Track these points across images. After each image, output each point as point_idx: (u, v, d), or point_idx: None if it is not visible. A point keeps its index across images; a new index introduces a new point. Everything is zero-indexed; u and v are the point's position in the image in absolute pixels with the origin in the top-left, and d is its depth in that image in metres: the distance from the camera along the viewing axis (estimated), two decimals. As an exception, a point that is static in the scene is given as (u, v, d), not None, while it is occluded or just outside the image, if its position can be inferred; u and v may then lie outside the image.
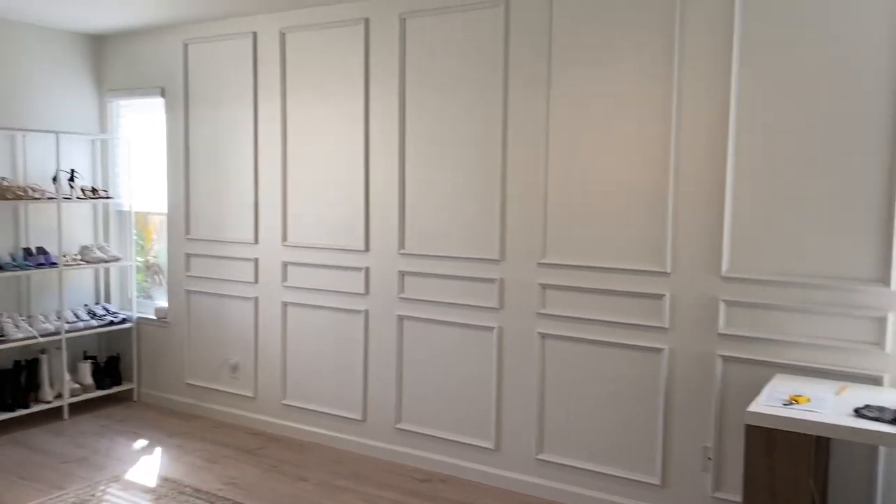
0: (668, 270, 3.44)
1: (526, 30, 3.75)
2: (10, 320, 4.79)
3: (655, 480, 3.54)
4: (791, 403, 2.68)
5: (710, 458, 3.41)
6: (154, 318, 5.35)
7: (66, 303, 5.23)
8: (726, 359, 3.35)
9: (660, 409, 3.51)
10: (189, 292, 5.12)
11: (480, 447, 4.03)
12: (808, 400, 2.72)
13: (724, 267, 3.31)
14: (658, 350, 3.50)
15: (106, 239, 5.56)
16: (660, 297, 3.48)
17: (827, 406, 2.67)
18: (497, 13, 3.82)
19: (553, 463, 3.82)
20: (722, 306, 3.34)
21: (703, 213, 3.36)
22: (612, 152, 3.56)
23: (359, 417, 4.44)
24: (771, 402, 2.72)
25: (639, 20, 3.45)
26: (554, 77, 3.68)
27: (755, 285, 3.25)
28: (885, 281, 2.99)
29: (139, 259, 5.60)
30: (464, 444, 4.08)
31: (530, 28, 3.74)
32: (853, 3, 3.01)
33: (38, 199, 4.86)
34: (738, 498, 3.31)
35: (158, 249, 5.54)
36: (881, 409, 2.60)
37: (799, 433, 2.55)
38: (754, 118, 3.22)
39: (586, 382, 3.70)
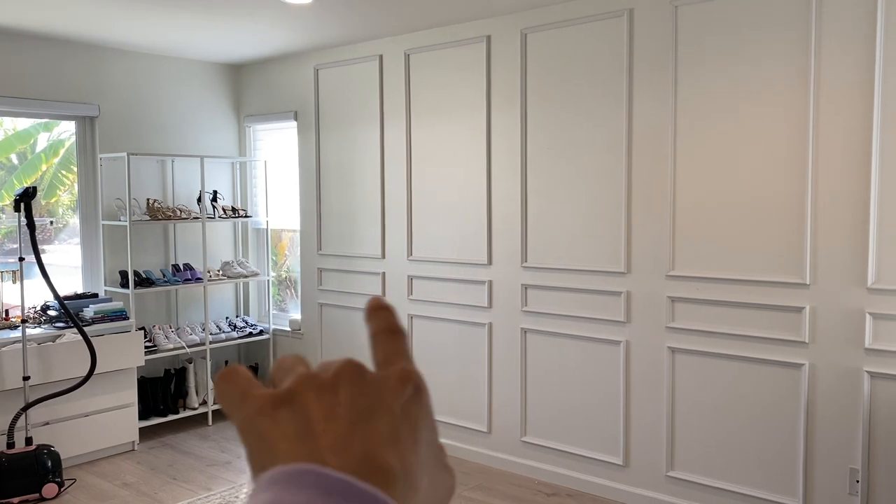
0: (808, 282, 3.29)
1: (650, 38, 3.70)
2: (161, 332, 5.19)
3: (796, 502, 3.37)
4: (951, 424, 2.50)
5: (858, 481, 3.21)
6: (289, 329, 5.63)
7: (210, 315, 5.60)
8: (874, 375, 3.15)
9: (801, 428, 3.35)
10: (321, 305, 5.36)
11: (608, 462, 3.98)
12: (972, 421, 2.52)
13: (871, 278, 3.12)
14: (798, 365, 3.34)
15: (244, 255, 5.91)
16: (799, 309, 3.32)
17: None
18: (620, 23, 3.79)
19: (684, 480, 3.71)
20: (868, 319, 3.15)
21: (845, 220, 3.19)
22: (743, 159, 3.44)
23: (484, 429, 4.49)
24: (928, 422, 2.53)
25: (770, 22, 3.33)
26: (680, 85, 3.61)
27: (906, 297, 3.05)
28: None
29: (273, 274, 5.92)
30: (591, 458, 4.04)
31: (655, 36, 3.69)
32: None
33: (185, 218, 5.25)
34: (891, 524, 3.10)
35: (291, 264, 5.83)
36: None
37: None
38: (902, 120, 3.03)
39: (720, 398, 3.58)
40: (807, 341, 3.31)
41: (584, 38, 3.93)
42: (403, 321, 4.81)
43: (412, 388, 0.37)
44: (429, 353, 4.75)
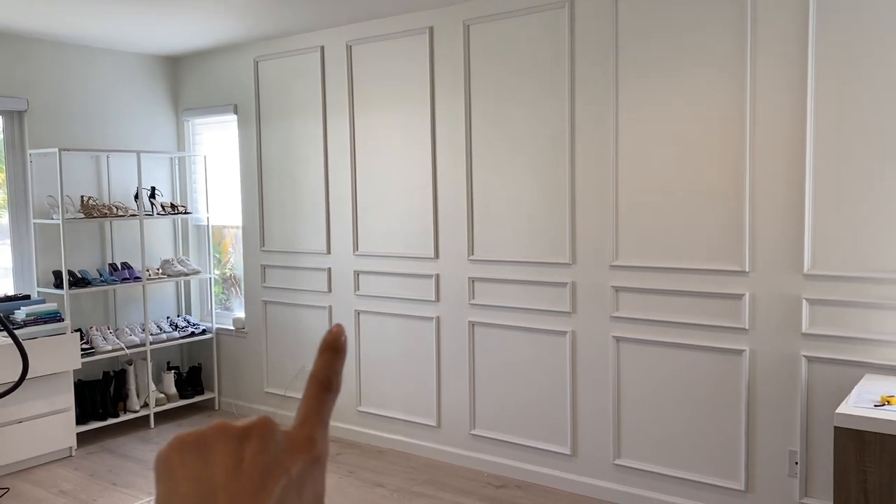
0: (747, 269, 3.35)
1: (591, 30, 3.72)
2: (98, 333, 5.02)
3: (739, 486, 3.44)
4: (883, 405, 2.57)
5: (796, 463, 3.30)
6: (232, 328, 5.51)
7: (150, 315, 5.44)
8: (811, 359, 3.23)
9: (742, 412, 3.42)
10: (265, 303, 5.26)
11: (556, 453, 4.00)
12: (902, 401, 2.60)
13: (807, 264, 3.20)
14: (738, 352, 3.41)
15: (185, 253, 5.76)
16: (738, 296, 3.39)
17: (923, 407, 2.55)
18: (561, 15, 3.80)
19: (631, 468, 3.75)
20: (805, 305, 3.22)
21: (781, 209, 3.26)
22: (684, 151, 3.49)
23: (433, 424, 4.47)
24: (861, 403, 2.61)
25: (708, 16, 3.38)
26: (621, 77, 3.64)
27: (840, 282, 3.13)
28: (983, 275, 2.84)
29: (217, 272, 5.79)
30: (539, 449, 4.06)
31: (596, 28, 3.71)
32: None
33: (122, 216, 5.08)
34: (828, 503, 3.19)
35: (234, 262, 5.71)
36: (983, 409, 2.47)
37: (893, 435, 2.44)
38: (833, 112, 3.11)
39: (664, 386, 3.63)
40: (747, 328, 3.38)
41: (527, 29, 3.93)
42: (350, 317, 4.76)
43: (311, 459, 0.39)
44: (376, 348, 4.70)
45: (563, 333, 3.92)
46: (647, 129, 3.59)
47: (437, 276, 4.38)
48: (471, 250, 4.23)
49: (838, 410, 2.54)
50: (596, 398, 3.85)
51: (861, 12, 3.03)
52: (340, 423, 4.92)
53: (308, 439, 0.40)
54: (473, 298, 4.25)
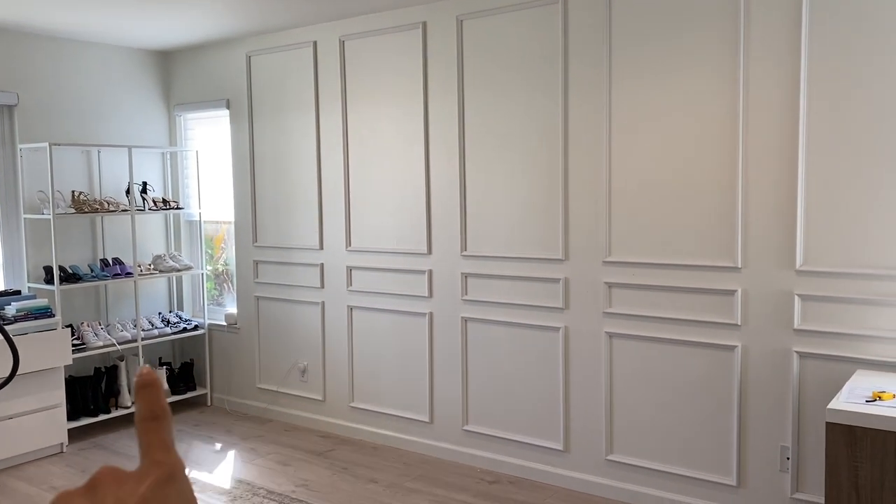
0: (739, 265, 3.36)
1: (585, 26, 3.72)
2: (89, 329, 4.99)
3: (731, 481, 3.46)
4: (875, 400, 2.58)
5: (788, 458, 3.31)
6: (225, 324, 5.49)
7: (142, 311, 5.42)
8: (803, 355, 3.24)
9: (734, 408, 3.43)
10: (258, 298, 5.24)
11: (549, 448, 4.00)
12: (893, 396, 2.61)
13: (799, 260, 3.21)
14: (731, 347, 3.42)
15: (177, 248, 5.74)
16: (731, 292, 3.39)
17: (914, 403, 2.56)
18: (554, 10, 3.79)
19: (623, 464, 3.76)
20: (797, 301, 3.23)
21: (774, 206, 3.26)
22: (677, 147, 3.49)
23: (426, 419, 4.47)
24: (853, 398, 2.62)
25: (701, 11, 3.38)
26: (615, 73, 3.63)
27: (832, 278, 3.14)
28: (974, 271, 2.85)
29: (209, 267, 5.76)
30: (532, 445, 4.06)
31: (589, 24, 3.70)
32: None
33: (114, 211, 5.05)
34: (820, 499, 3.20)
35: (227, 257, 5.69)
36: (973, 405, 2.48)
37: (885, 431, 2.45)
38: (826, 109, 3.11)
39: (656, 382, 3.64)
40: (739, 323, 3.38)
41: (520, 26, 3.92)
42: (343, 313, 4.75)
43: (165, 476, 0.42)
44: (369, 344, 4.70)
45: (556, 329, 3.92)
46: (640, 125, 3.58)
47: (430, 272, 4.38)
48: (464, 246, 4.23)
49: (830, 406, 2.55)
50: (588, 394, 3.86)
51: (854, 11, 3.03)
52: (333, 419, 4.91)
53: (155, 463, 0.43)
54: (466, 294, 4.24)
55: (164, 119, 5.67)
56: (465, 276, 4.24)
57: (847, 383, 2.83)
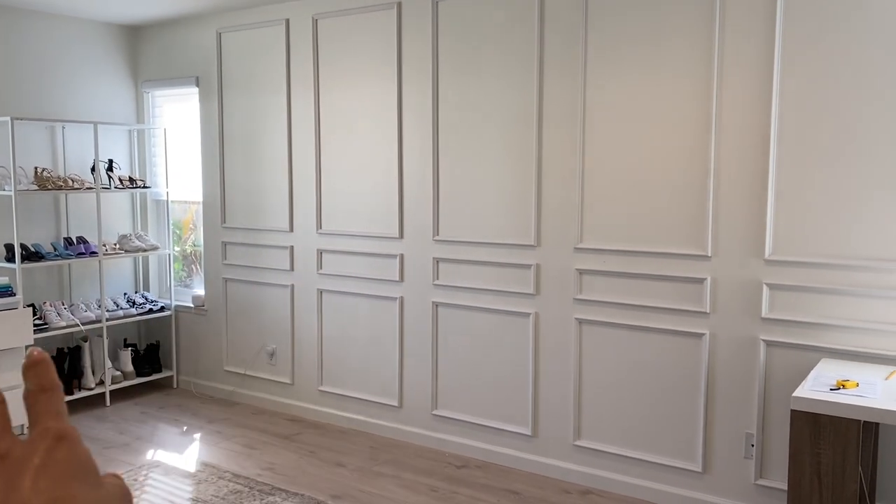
0: (709, 254, 3.37)
1: (562, 10, 3.69)
2: (52, 309, 4.89)
3: (696, 467, 3.49)
4: (838, 388, 2.62)
5: (753, 445, 3.35)
6: (192, 306, 5.41)
7: (106, 291, 5.31)
8: (770, 343, 3.27)
9: (701, 394, 3.45)
10: (226, 280, 5.17)
11: (517, 433, 4.01)
12: (857, 385, 2.64)
13: (768, 250, 3.23)
14: (699, 335, 3.44)
15: (144, 228, 5.63)
16: (700, 280, 3.41)
17: (877, 391, 2.60)
18: (531, -6, 3.76)
19: (591, 449, 3.78)
20: (765, 290, 3.26)
21: (744, 195, 3.28)
22: (650, 136, 3.49)
23: (395, 404, 4.45)
24: (817, 387, 2.65)
25: (676, 2, 3.37)
26: (590, 60, 3.61)
27: (799, 268, 3.17)
28: (937, 262, 2.90)
29: (177, 248, 5.67)
30: (500, 430, 4.07)
31: (566, 8, 3.67)
32: (903, -26, 2.90)
33: (78, 189, 4.94)
34: (783, 485, 3.24)
35: (196, 238, 5.60)
36: (934, 394, 2.52)
37: (847, 418, 2.48)
38: (798, 98, 3.13)
39: (625, 368, 3.66)
40: (708, 311, 3.41)
41: (496, 8, 3.88)
42: (313, 296, 4.70)
43: (56, 440, 0.42)
44: (339, 328, 4.66)
45: (527, 315, 3.92)
46: (614, 114, 3.58)
47: (402, 256, 4.34)
48: (436, 230, 4.20)
49: (795, 394, 2.57)
50: (558, 380, 3.86)
51: (826, 9, 3.04)
52: (301, 402, 4.87)
53: (45, 430, 0.43)
54: (438, 279, 4.22)
55: (132, 96, 5.54)
56: (437, 261, 4.21)
57: (812, 371, 2.86)
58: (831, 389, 2.61)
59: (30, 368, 0.44)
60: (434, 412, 4.30)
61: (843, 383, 2.65)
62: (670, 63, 3.41)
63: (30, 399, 0.44)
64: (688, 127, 3.38)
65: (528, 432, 3.97)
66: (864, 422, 2.57)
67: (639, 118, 3.51)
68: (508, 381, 4.02)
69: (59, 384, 0.44)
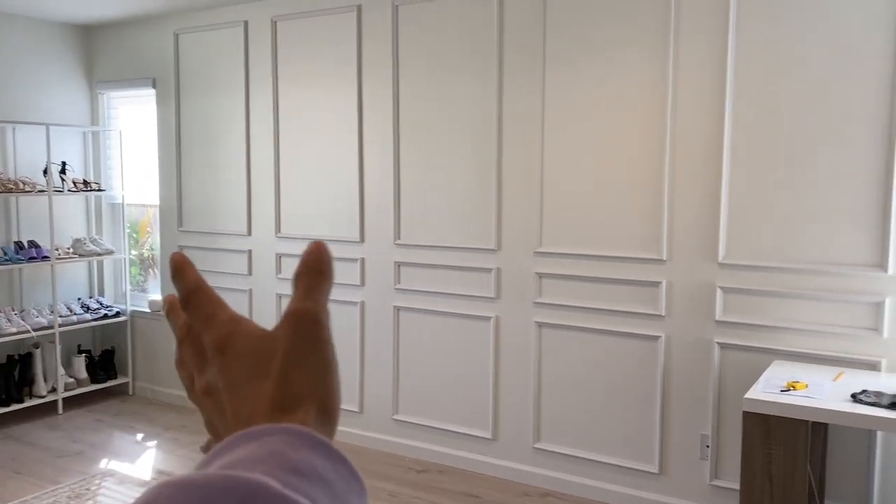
0: (664, 258, 3.42)
1: (520, 16, 3.71)
2: (2, 315, 4.76)
3: (653, 468, 3.53)
4: (789, 390, 2.67)
5: (708, 446, 3.40)
6: (149, 311, 5.31)
7: (59, 296, 5.19)
8: (724, 346, 3.33)
9: (657, 397, 3.50)
10: (183, 285, 5.08)
11: (478, 437, 4.02)
12: (806, 386, 2.70)
13: (721, 253, 3.29)
14: (655, 338, 3.48)
15: (99, 232, 5.52)
16: (656, 284, 3.46)
17: (824, 392, 2.66)
18: (490, 1, 3.77)
19: (550, 452, 3.80)
20: (719, 293, 3.32)
21: (698, 200, 3.33)
22: (608, 140, 3.53)
23: (356, 409, 4.42)
24: (768, 388, 2.70)
25: (632, 9, 3.42)
26: (548, 66, 3.64)
27: (752, 272, 3.24)
28: (883, 266, 2.98)
29: (133, 252, 5.57)
30: (461, 434, 4.07)
31: (525, 14, 3.70)
32: (849, -15, 2.98)
33: (29, 192, 4.82)
34: (736, 485, 3.30)
35: (153, 242, 5.50)
36: (878, 394, 2.59)
37: (796, 419, 2.54)
38: (750, 105, 3.19)
39: (583, 371, 3.69)
40: (663, 314, 3.45)
41: (456, 14, 3.89)
42: (272, 301, 4.65)
43: (295, 323, 0.43)
44: (298, 332, 4.60)
45: (487, 319, 3.93)
46: (572, 118, 3.61)
47: (363, 260, 4.33)
48: (397, 234, 4.19)
49: (747, 396, 2.62)
50: (518, 383, 3.88)
51: (780, 10, 3.11)
52: (260, 408, 4.81)
53: (289, 314, 0.44)
54: (399, 283, 4.21)
55: (86, 97, 5.43)
56: (398, 265, 4.20)
57: (764, 373, 2.92)
58: (782, 391, 2.66)
59: (175, 273, 0.45)
60: (395, 417, 4.29)
61: (794, 385, 2.70)
62: (626, 71, 3.45)
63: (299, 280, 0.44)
64: (644, 133, 3.43)
65: (489, 436, 3.98)
66: (813, 422, 2.63)
67: (597, 125, 3.55)
68: (469, 384, 4.03)
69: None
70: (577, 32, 3.56)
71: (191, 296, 0.45)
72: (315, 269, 0.43)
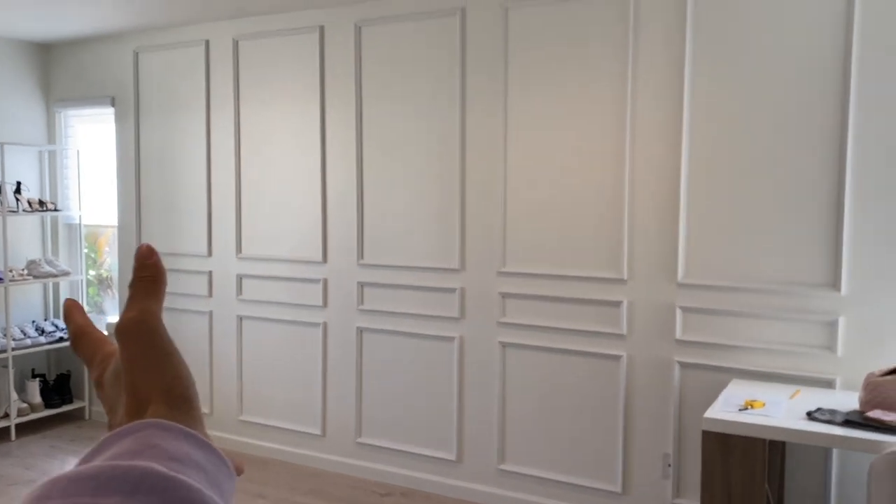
0: (625, 277, 3.46)
1: (482, 38, 3.74)
2: (-48, 339, 4.62)
3: (616, 488, 3.54)
4: (746, 408, 2.70)
5: (669, 465, 3.42)
6: (106, 333, 5.19)
7: (13, 319, 5.06)
8: (684, 365, 3.37)
9: (619, 416, 3.52)
10: (142, 307, 4.99)
11: (442, 459, 3.99)
12: (763, 405, 2.74)
13: (680, 274, 3.33)
14: (616, 357, 3.51)
15: (55, 253, 5.40)
16: (617, 304, 3.49)
17: (781, 410, 2.69)
18: (453, 22, 3.81)
19: (515, 473, 3.80)
20: (679, 313, 3.36)
21: (658, 221, 3.38)
22: (569, 163, 3.56)
23: (318, 432, 4.37)
24: (727, 407, 2.73)
25: (593, 33, 3.47)
26: (510, 88, 3.68)
27: (711, 291, 3.28)
28: (836, 286, 3.05)
29: (91, 273, 5.46)
30: (425, 456, 4.04)
31: (486, 37, 3.73)
32: (801, 11, 3.06)
33: (-18, 212, 4.70)
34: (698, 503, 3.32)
35: (111, 263, 5.40)
36: (832, 412, 2.63)
37: (754, 438, 2.57)
38: (706, 130, 3.25)
39: (547, 391, 3.69)
40: (625, 333, 3.48)
41: (419, 34, 3.91)
42: (232, 323, 4.59)
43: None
44: (260, 355, 4.56)
45: (451, 339, 3.92)
46: (534, 139, 3.64)
47: (325, 281, 4.29)
48: (360, 255, 4.17)
49: (706, 415, 2.65)
50: (482, 404, 3.87)
51: (733, 34, 3.18)
52: (221, 432, 4.73)
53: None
54: (362, 304, 4.19)
55: (43, 116, 5.34)
56: (362, 286, 4.18)
57: (723, 392, 2.95)
58: (740, 410, 2.70)
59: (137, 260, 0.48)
60: (358, 440, 4.24)
61: (751, 403, 2.74)
62: (586, 96, 3.50)
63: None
64: (604, 156, 3.47)
65: (453, 457, 3.96)
66: (771, 440, 2.67)
67: (558, 147, 3.58)
68: (433, 405, 4.01)
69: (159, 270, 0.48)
70: (539, 55, 3.60)
71: (75, 340, 0.51)
72: (138, 278, 0.47)
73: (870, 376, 2.71)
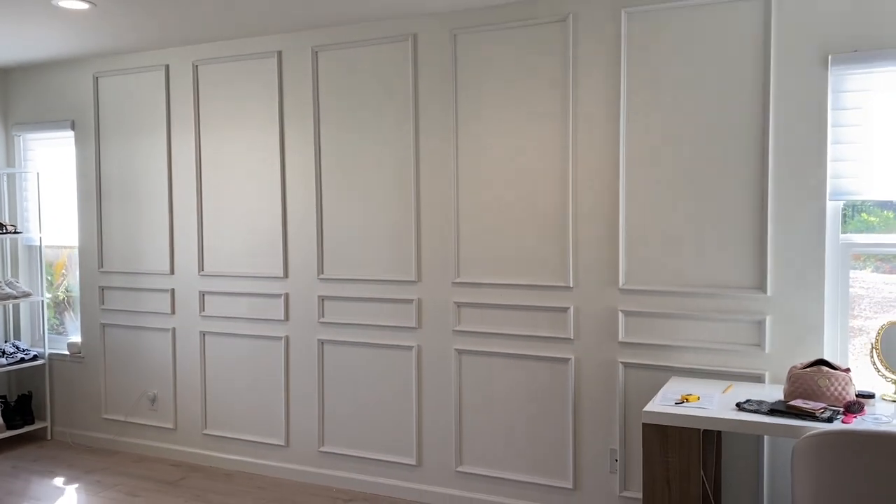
0: (571, 285, 3.68)
1: (434, 63, 3.96)
2: (-88, 362, 4.62)
3: (568, 484, 3.75)
4: (683, 402, 2.94)
5: (616, 460, 3.64)
6: (68, 353, 5.24)
7: (-27, 342, 5.07)
8: (627, 365, 3.60)
9: (569, 415, 3.73)
10: (104, 326, 5.06)
11: (403, 464, 4.15)
12: (698, 398, 2.98)
13: (621, 280, 3.57)
14: (565, 360, 3.73)
15: (15, 275, 5.43)
16: (565, 310, 3.71)
17: (714, 403, 2.93)
18: (405, 47, 4.01)
19: (472, 474, 3.97)
20: (621, 316, 3.59)
21: (599, 232, 3.62)
22: (516, 179, 3.79)
23: (282, 443, 4.49)
24: (665, 401, 2.96)
25: (537, 58, 3.71)
26: (461, 108, 3.89)
27: (649, 296, 3.53)
28: (762, 288, 3.31)
29: (49, 294, 5.49)
30: (387, 461, 4.19)
31: (438, 62, 3.95)
32: (721, 44, 3.35)
33: (-58, 235, 4.73)
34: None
35: (69, 284, 5.45)
36: (759, 402, 2.88)
37: (689, 428, 2.80)
38: (641, 148, 3.51)
39: (501, 394, 3.89)
40: (572, 338, 3.70)
41: (374, 59, 4.11)
42: (195, 339, 4.69)
43: None
44: (223, 370, 4.67)
45: (410, 348, 4.10)
46: (483, 157, 3.86)
47: (287, 296, 4.43)
48: (321, 269, 4.32)
49: (645, 409, 2.87)
50: (439, 409, 4.05)
51: (665, 54, 3.45)
52: (185, 447, 4.82)
53: None
54: (323, 317, 4.33)
55: (1, 139, 5.38)
56: (322, 299, 4.33)
57: (662, 389, 3.19)
58: (676, 403, 2.93)
59: None
60: (321, 449, 4.38)
61: (687, 397, 2.98)
62: (531, 117, 3.73)
63: None
64: (549, 174, 3.71)
65: (413, 462, 4.12)
66: (705, 430, 2.90)
67: (506, 165, 3.80)
68: (393, 412, 4.17)
69: None
70: (487, 76, 3.82)
71: None
72: None
73: (792, 369, 2.97)
